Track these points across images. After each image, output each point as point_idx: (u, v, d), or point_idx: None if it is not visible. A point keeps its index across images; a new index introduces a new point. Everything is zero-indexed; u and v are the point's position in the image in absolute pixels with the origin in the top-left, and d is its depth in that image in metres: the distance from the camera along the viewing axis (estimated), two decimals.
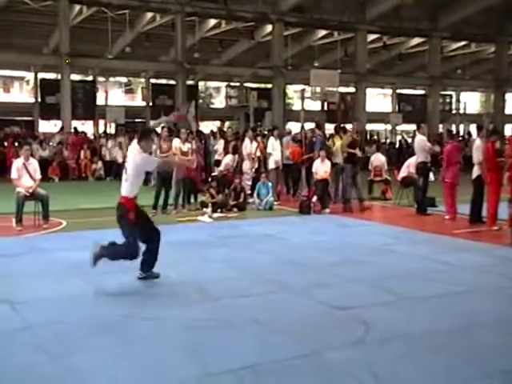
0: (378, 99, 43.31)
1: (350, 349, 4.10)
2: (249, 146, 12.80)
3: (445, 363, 3.88)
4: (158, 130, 10.54)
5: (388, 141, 29.57)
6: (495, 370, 3.78)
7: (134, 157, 5.72)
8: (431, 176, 11.15)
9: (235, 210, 11.34)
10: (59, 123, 23.02)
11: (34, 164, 9.67)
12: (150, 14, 25.62)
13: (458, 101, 32.15)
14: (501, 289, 5.75)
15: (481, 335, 4.45)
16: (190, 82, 26.88)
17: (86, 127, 27.83)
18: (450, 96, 33.42)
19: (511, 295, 5.61)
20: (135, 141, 5.84)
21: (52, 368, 3.79)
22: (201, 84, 34.69)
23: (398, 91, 35.24)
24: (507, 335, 4.47)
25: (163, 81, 31.09)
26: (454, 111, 31.96)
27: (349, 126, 13.52)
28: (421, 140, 10.87)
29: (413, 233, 8.93)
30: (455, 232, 8.79)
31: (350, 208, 11.25)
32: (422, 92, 33.62)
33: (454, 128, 29.81)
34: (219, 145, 14.98)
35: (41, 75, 28.81)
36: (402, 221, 9.96)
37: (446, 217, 10.03)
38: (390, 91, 39.35)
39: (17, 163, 9.57)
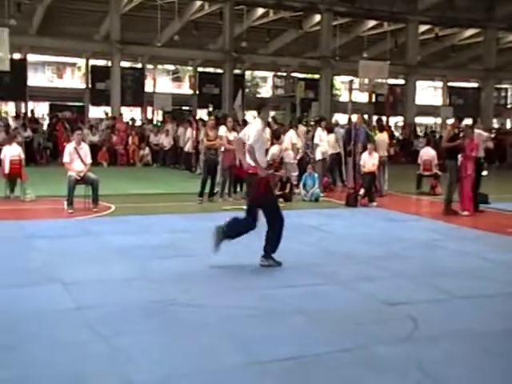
0: (428, 92, 42.29)
1: (397, 345, 4.03)
2: (294, 137, 12.73)
3: (497, 365, 3.76)
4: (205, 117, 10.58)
5: (438, 135, 28.86)
6: None
7: (256, 127, 6.09)
8: (484, 172, 10.78)
9: (281, 200, 11.29)
10: (108, 109, 23.48)
11: (85, 148, 9.90)
12: (198, 3, 25.75)
13: None
14: None
15: None
16: (236, 71, 26.92)
17: (134, 114, 28.27)
18: (506, 90, 32.31)
19: None
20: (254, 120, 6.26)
21: (101, 348, 3.88)
22: (247, 73, 34.66)
23: (450, 84, 34.30)
24: None
25: (210, 69, 31.20)
26: (509, 105, 30.90)
27: (393, 120, 13.25)
28: (480, 135, 10.51)
29: (463, 230, 8.69)
30: (509, 230, 8.50)
31: (453, 211, 9.92)
32: (475, 85, 32.62)
33: (508, 123, 28.90)
34: (264, 134, 14.93)
35: (92, 62, 29.40)
36: (452, 217, 9.70)
37: None
38: (440, 84, 38.34)
39: (69, 147, 9.82)
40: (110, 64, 24.50)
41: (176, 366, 3.62)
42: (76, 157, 9.65)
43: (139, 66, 30.14)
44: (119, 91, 22.97)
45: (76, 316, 4.48)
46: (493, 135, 17.94)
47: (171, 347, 3.91)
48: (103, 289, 5.18)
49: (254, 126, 6.20)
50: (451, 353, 3.93)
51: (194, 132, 16.65)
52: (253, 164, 6.02)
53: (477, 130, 10.76)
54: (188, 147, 17.15)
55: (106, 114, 22.95)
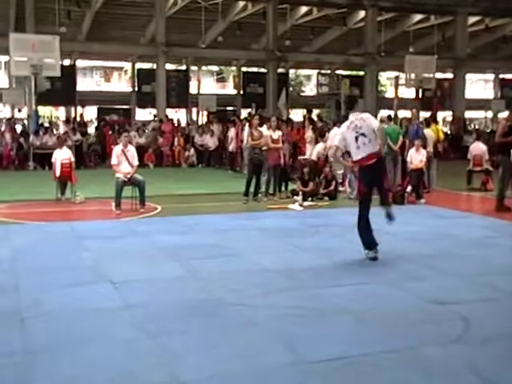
0: (478, 85, 41.05)
1: (448, 346, 3.90)
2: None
3: None
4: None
5: (489, 129, 28.00)
6: None
7: (373, 122, 6.36)
8: None
9: (326, 198, 11.21)
10: (154, 111, 23.87)
11: (132, 151, 10.08)
12: (242, 3, 25.83)
13: None
14: None
15: None
16: (280, 70, 26.86)
17: (180, 115, 28.64)
18: None
19: None
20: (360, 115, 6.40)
21: (149, 345, 3.93)
22: (291, 72, 34.55)
23: (501, 76, 33.16)
24: None
25: (254, 69, 31.25)
26: None
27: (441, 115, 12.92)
28: None
29: None
30: None
31: (505, 207, 9.59)
32: None
33: None
34: (308, 133, 14.85)
35: (138, 65, 29.95)
36: (505, 213, 9.36)
37: None
38: (491, 76, 37.14)
39: (116, 150, 10.02)
40: (155, 67, 24.90)
41: (223, 365, 3.62)
42: (123, 159, 9.83)
43: (184, 67, 30.52)
44: (164, 93, 23.31)
45: (124, 314, 4.56)
46: None
47: (218, 346, 3.92)
48: (150, 288, 5.25)
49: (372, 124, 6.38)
50: (505, 354, 3.79)
51: (239, 131, 16.72)
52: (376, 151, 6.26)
53: None
54: (232, 147, 17.23)
55: (155, 116, 23.32)
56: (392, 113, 22.43)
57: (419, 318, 4.46)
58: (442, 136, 13.33)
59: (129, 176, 9.70)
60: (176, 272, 5.80)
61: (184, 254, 6.54)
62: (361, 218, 6.31)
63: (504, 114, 13.05)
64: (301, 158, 12.95)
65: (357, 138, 6.21)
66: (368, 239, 6.28)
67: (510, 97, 28.26)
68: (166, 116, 23.20)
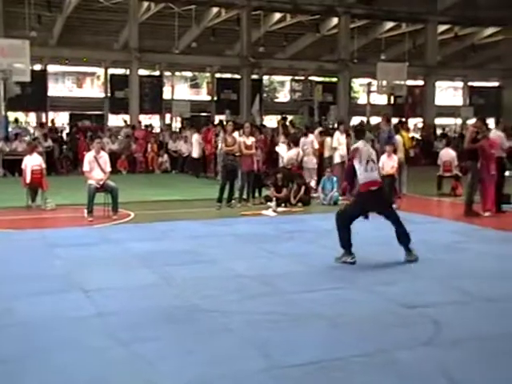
0: (448, 92, 41.85)
1: (419, 349, 3.97)
2: (315, 142, 12.74)
3: None
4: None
5: (457, 135, 28.50)
6: None
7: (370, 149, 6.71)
8: (507, 172, 10.60)
9: (299, 204, 11.28)
10: (127, 117, 23.71)
11: (104, 157, 10.00)
12: (215, 9, 25.87)
13: None
14: None
15: None
16: (254, 77, 26.96)
17: (153, 121, 28.49)
18: None
19: None
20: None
21: (122, 353, 3.90)
22: (265, 78, 34.72)
23: (470, 84, 33.88)
24: None
25: (228, 75, 31.31)
26: None
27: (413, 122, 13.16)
28: (499, 137, 10.34)
29: (485, 231, 8.55)
30: None
31: (474, 212, 9.77)
32: (495, 84, 32.18)
33: None
34: (282, 139, 14.95)
35: (111, 71, 29.72)
36: (475, 218, 9.56)
37: None
38: (461, 84, 37.90)
39: (88, 156, 9.93)
40: (128, 72, 24.74)
41: (197, 372, 3.62)
42: (95, 165, 9.75)
43: (157, 73, 30.40)
44: (138, 99, 23.17)
45: (97, 322, 4.51)
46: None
47: (192, 352, 3.91)
48: (124, 295, 5.21)
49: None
50: (476, 356, 3.87)
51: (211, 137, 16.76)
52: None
53: (494, 131, 10.60)
54: (195, 153, 17.41)
55: (125, 122, 23.18)
56: (365, 119, 22.73)
57: (391, 322, 4.52)
58: (409, 143, 13.52)
59: (101, 182, 9.61)
60: (150, 279, 5.77)
61: (158, 260, 6.51)
62: (344, 219, 6.49)
63: (472, 121, 13.32)
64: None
65: (367, 162, 6.53)
66: (346, 239, 6.40)
67: (479, 104, 28.87)
68: (139, 122, 23.06)
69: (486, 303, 5.03)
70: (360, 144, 6.72)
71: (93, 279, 5.73)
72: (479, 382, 3.51)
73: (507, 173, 10.66)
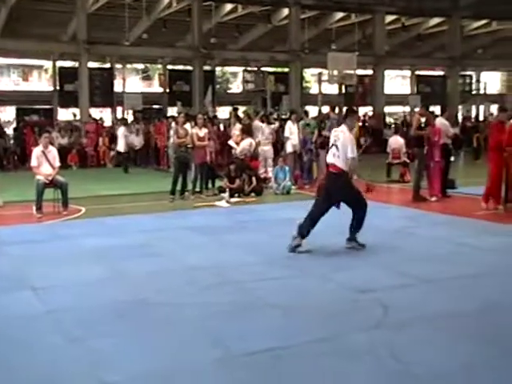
0: (397, 81, 42.71)
1: (370, 332, 4.09)
2: (266, 131, 12.79)
3: (464, 344, 3.85)
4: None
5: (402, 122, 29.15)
6: None
7: (343, 135, 6.49)
8: (452, 157, 10.96)
9: (252, 194, 11.34)
10: (77, 111, 23.19)
11: (53, 152, 9.76)
12: (166, 0, 25.51)
13: (477, 81, 31.52)
14: None
15: (502, 317, 4.40)
16: (206, 68, 26.79)
17: (104, 114, 27.95)
18: (470, 76, 32.80)
19: None
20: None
21: (74, 350, 3.86)
22: (218, 69, 34.55)
23: (417, 73, 34.69)
24: None
25: (180, 67, 30.97)
26: (474, 92, 31.36)
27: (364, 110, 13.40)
28: (443, 125, 10.65)
29: (432, 215, 8.84)
30: (476, 214, 8.67)
31: (421, 198, 10.05)
32: (441, 73, 33.07)
33: (473, 109, 29.27)
34: (235, 130, 14.95)
35: (59, 63, 28.90)
36: (422, 203, 9.85)
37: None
38: (408, 73, 38.75)
39: (36, 151, 9.67)
40: (77, 65, 24.15)
41: (150, 365, 3.62)
42: (44, 160, 9.51)
43: (108, 65, 29.78)
44: (88, 92, 22.64)
45: (47, 320, 4.44)
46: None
47: (145, 346, 3.90)
48: (75, 292, 5.13)
49: (347, 137, 6.49)
50: (421, 337, 4.01)
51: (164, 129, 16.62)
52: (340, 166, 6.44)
53: (439, 118, 10.93)
54: (120, 147, 17.62)
55: (74, 115, 22.65)
56: (316, 108, 22.95)
57: (343, 307, 4.64)
58: (357, 131, 13.79)
59: (50, 178, 9.39)
60: (102, 274, 5.70)
61: (110, 255, 6.44)
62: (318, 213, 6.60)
63: (418, 109, 13.70)
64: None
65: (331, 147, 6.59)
66: (310, 228, 6.49)
67: (425, 92, 29.59)
68: (90, 115, 22.59)
69: (431, 285, 5.21)
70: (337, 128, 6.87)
71: (43, 277, 5.62)
72: (424, 359, 3.64)
73: (452, 158, 11.01)
